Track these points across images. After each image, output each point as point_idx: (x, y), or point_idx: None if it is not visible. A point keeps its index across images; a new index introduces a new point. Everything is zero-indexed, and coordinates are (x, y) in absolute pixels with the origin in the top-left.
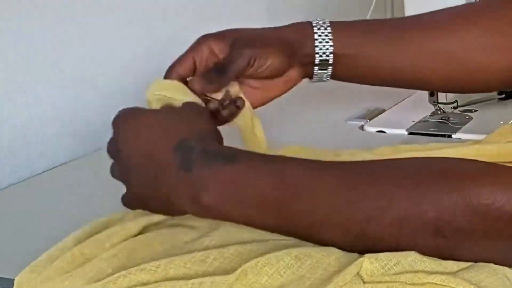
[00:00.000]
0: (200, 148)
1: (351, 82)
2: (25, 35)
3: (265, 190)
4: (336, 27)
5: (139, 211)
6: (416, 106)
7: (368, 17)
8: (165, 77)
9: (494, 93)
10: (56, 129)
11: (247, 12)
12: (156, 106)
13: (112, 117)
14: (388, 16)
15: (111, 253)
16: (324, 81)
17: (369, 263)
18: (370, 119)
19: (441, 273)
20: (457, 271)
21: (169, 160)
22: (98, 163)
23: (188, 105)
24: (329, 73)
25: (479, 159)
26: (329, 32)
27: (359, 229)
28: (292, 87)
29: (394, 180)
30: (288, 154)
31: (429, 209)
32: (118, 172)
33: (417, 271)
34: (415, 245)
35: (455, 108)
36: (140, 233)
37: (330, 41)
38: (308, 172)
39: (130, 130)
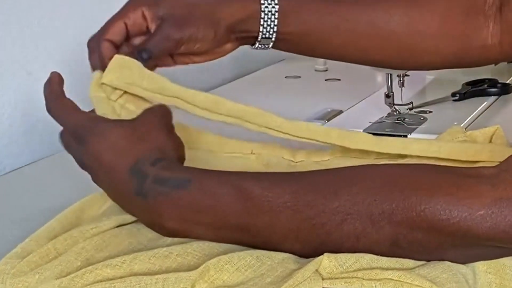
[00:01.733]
0: (154, 175)
1: (291, 52)
2: None
3: (224, 211)
4: (284, 6)
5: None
6: (372, 107)
7: None
8: (97, 44)
9: (449, 95)
10: (23, 129)
11: None
12: (97, 106)
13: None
14: None
15: (80, 246)
16: (266, 48)
17: (328, 261)
18: (328, 120)
19: (398, 269)
20: (413, 267)
21: (127, 183)
22: (64, 164)
23: (149, 113)
24: (271, 45)
25: (441, 156)
26: (276, 11)
27: (318, 242)
28: (224, 55)
29: (351, 195)
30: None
31: (385, 226)
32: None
33: (373, 268)
34: (372, 252)
35: (410, 109)
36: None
37: (275, 20)
38: (266, 189)
39: (89, 148)
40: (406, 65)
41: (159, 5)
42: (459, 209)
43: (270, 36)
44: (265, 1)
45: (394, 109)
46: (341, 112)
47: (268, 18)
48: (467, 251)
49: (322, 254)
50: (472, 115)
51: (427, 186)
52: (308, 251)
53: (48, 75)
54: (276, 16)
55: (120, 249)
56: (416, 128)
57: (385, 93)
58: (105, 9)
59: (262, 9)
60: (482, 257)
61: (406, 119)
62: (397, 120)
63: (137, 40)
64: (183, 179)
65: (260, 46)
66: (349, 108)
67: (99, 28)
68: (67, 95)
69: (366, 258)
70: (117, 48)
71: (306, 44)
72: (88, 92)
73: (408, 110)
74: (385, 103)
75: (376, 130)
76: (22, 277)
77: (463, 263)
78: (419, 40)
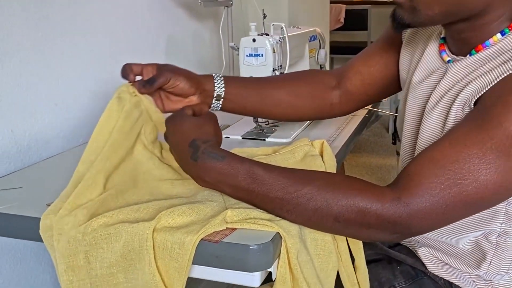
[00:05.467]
0: (203, 149)
1: (231, 113)
2: None
3: (239, 180)
4: (227, 79)
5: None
6: (246, 123)
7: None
8: (125, 68)
9: None
10: (46, 139)
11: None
12: (115, 102)
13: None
14: (232, 73)
15: (88, 204)
16: (217, 110)
17: (231, 213)
18: (223, 129)
19: (268, 220)
20: (281, 219)
21: (186, 151)
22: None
23: (208, 115)
24: (220, 105)
25: (288, 163)
26: (221, 81)
27: (291, 206)
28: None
29: (314, 185)
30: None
31: (333, 207)
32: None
33: (256, 218)
34: (320, 224)
35: (267, 124)
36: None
37: (223, 85)
38: (266, 171)
39: (171, 129)
40: (289, 118)
41: (159, 65)
42: (378, 202)
43: (220, 93)
44: (217, 76)
45: (258, 125)
46: (228, 125)
47: (218, 83)
48: (370, 231)
49: (288, 214)
50: (300, 128)
51: (358, 187)
52: (281, 214)
53: (69, 106)
54: (223, 84)
55: (111, 206)
56: (270, 134)
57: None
58: (108, 64)
59: (215, 78)
60: (376, 237)
61: (265, 130)
62: (260, 130)
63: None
64: (220, 155)
65: (215, 102)
66: (233, 124)
67: (106, 73)
68: (85, 113)
69: (254, 212)
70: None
71: (238, 106)
72: (95, 112)
73: (266, 125)
74: (253, 121)
75: (248, 136)
76: (60, 221)
77: (374, 240)
78: (294, 104)
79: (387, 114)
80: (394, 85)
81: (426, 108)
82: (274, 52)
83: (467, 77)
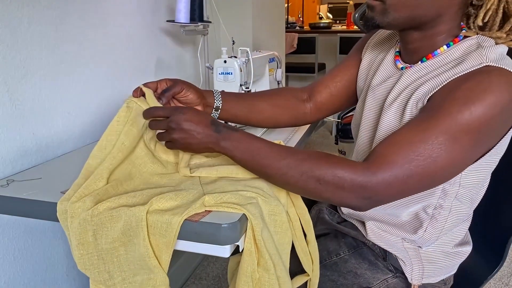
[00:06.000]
0: (222, 125)
1: (226, 121)
2: None
3: (249, 147)
4: (223, 94)
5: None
6: None
7: (200, 86)
8: (136, 88)
9: None
10: (60, 143)
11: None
12: (124, 109)
13: None
14: (207, 88)
15: (94, 193)
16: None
17: (208, 198)
18: None
19: (236, 203)
20: (248, 204)
21: (208, 128)
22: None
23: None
24: (218, 114)
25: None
26: (219, 96)
27: (283, 170)
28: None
29: (303, 155)
30: None
31: (316, 171)
32: (174, 134)
33: (229, 202)
34: (305, 186)
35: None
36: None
37: (220, 100)
38: (267, 144)
39: (193, 112)
40: (271, 125)
41: (173, 80)
42: (348, 170)
43: (219, 105)
44: (216, 92)
45: None
46: None
47: (217, 98)
48: (344, 193)
49: (285, 176)
50: (262, 131)
51: (335, 161)
52: (281, 178)
53: (78, 114)
54: (220, 98)
55: (112, 194)
56: None
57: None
58: (111, 82)
59: (214, 94)
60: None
61: None
62: None
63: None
64: (235, 128)
65: (214, 112)
66: None
67: (108, 89)
68: (91, 120)
69: (226, 197)
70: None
71: (231, 115)
72: (99, 119)
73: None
74: None
75: None
76: (72, 205)
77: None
78: (275, 113)
79: (331, 120)
80: (353, 97)
81: (384, 104)
82: (241, 71)
83: (419, 79)
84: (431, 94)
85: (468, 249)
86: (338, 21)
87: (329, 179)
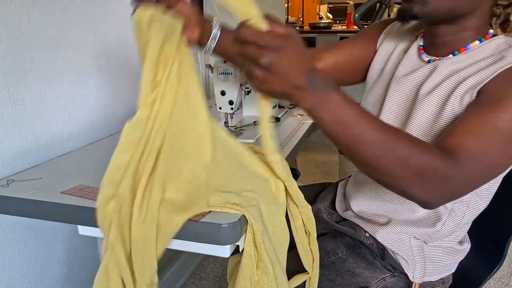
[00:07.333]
0: (319, 78)
1: (220, 57)
2: None
3: (343, 111)
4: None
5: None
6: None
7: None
8: None
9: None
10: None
11: None
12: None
13: None
14: (207, 87)
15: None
16: (208, 52)
17: (213, 198)
18: None
19: (237, 204)
20: (249, 206)
21: (303, 79)
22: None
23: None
24: (213, 46)
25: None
26: (218, 29)
27: (378, 148)
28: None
29: (405, 140)
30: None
31: (409, 156)
32: (264, 74)
33: (232, 203)
34: (395, 169)
35: (235, 128)
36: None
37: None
38: (370, 116)
39: (284, 53)
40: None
41: None
42: (440, 160)
43: (216, 33)
44: (214, 28)
45: (228, 128)
46: None
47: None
48: (428, 184)
49: (378, 159)
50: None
51: (427, 147)
52: (370, 154)
53: (77, 114)
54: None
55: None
56: (237, 136)
57: (224, 121)
58: (108, 84)
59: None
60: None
61: (233, 133)
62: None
63: None
64: (334, 86)
65: (210, 42)
66: None
67: (105, 92)
68: (90, 120)
69: (229, 196)
70: None
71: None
72: (98, 120)
73: (234, 129)
74: (223, 126)
75: None
76: (102, 192)
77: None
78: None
79: None
80: (353, 77)
81: (418, 96)
82: (241, 71)
83: (460, 72)
84: (481, 86)
85: (467, 247)
86: (338, 21)
87: (414, 162)
